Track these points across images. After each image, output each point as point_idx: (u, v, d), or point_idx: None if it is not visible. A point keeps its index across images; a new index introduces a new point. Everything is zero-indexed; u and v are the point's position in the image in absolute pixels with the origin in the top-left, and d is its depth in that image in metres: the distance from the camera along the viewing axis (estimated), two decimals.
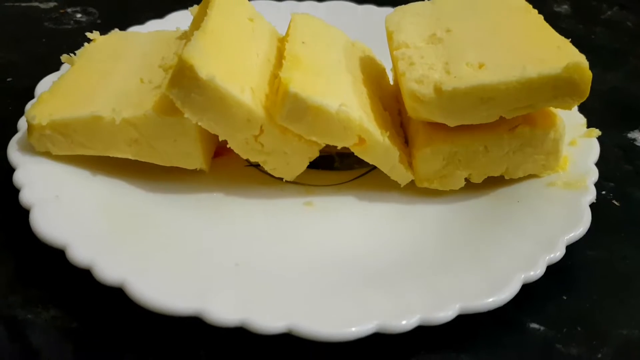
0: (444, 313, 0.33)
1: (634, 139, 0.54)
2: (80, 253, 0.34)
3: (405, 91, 0.41)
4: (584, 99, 0.40)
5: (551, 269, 0.38)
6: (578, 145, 0.46)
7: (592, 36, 0.73)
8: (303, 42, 0.45)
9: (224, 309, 0.32)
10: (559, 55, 0.39)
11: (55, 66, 0.55)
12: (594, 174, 0.43)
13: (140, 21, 0.62)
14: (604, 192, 0.47)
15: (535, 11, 0.46)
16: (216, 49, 0.40)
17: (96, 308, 0.36)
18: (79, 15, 0.72)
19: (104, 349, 0.35)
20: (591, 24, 0.76)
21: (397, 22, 0.47)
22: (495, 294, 0.34)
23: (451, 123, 0.41)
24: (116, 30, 0.56)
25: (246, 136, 0.41)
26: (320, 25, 0.51)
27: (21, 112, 0.49)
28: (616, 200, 0.46)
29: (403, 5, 0.50)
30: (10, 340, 0.35)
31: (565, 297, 0.38)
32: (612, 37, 0.73)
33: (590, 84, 0.39)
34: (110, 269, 0.33)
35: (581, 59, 0.38)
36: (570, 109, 0.41)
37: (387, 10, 0.66)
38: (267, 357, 0.34)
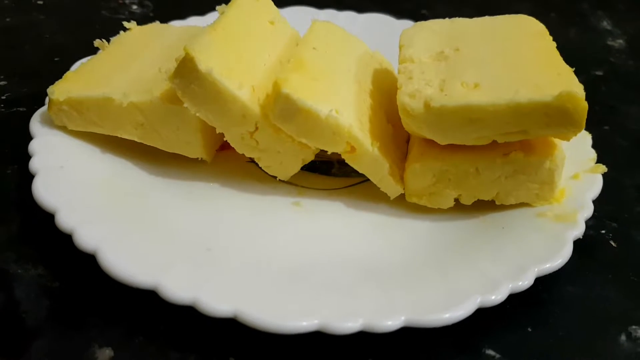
0: (390, 322, 0.33)
1: None
2: (66, 219, 0.37)
3: (398, 104, 0.41)
4: (581, 129, 0.39)
5: (525, 299, 0.37)
6: (580, 179, 0.44)
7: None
8: (314, 48, 0.47)
9: (177, 287, 0.34)
10: (556, 82, 0.38)
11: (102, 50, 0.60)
12: (588, 210, 0.42)
13: (185, 17, 0.66)
14: (603, 231, 0.45)
15: (550, 38, 0.45)
16: (223, 45, 0.42)
17: (78, 272, 0.39)
18: (134, 7, 0.77)
19: (74, 309, 0.37)
20: None
21: (411, 37, 0.48)
22: (448, 311, 0.34)
23: (440, 141, 0.41)
24: (157, 22, 0.60)
25: (241, 131, 0.43)
26: (339, 33, 0.52)
27: None
28: (614, 241, 0.44)
29: (423, 21, 0.50)
30: None
31: (530, 329, 0.37)
32: None
33: (585, 115, 0.38)
34: (87, 236, 0.36)
35: (576, 88, 0.37)
36: (568, 139, 0.40)
37: None
38: (225, 337, 0.36)
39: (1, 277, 0.39)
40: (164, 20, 0.71)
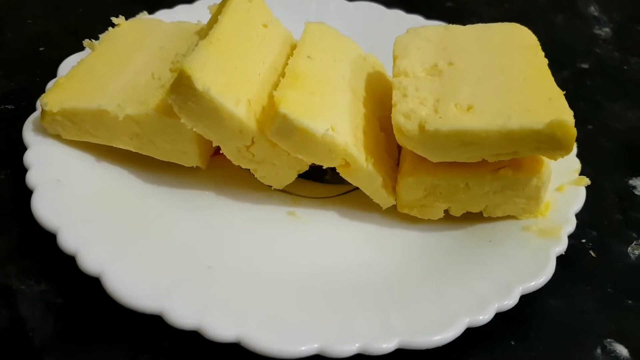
0: (385, 345, 0.35)
1: (634, 187, 0.54)
2: (68, 240, 0.38)
3: (393, 123, 0.42)
4: (569, 153, 0.40)
5: (509, 313, 0.39)
6: (565, 191, 0.46)
7: (624, 67, 0.71)
8: (309, 57, 0.47)
9: (182, 313, 0.35)
10: (547, 108, 0.40)
11: (87, 37, 0.58)
12: (571, 225, 0.44)
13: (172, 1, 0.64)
14: (583, 241, 0.47)
15: (542, 54, 0.45)
16: (218, 59, 0.42)
17: (81, 288, 0.40)
18: None
19: (80, 327, 0.38)
20: (628, 53, 0.73)
21: (405, 46, 0.48)
22: (439, 333, 0.36)
23: (433, 159, 0.42)
24: (144, 13, 0.59)
25: (238, 145, 0.44)
26: (333, 36, 0.52)
27: (47, 83, 0.53)
28: (593, 251, 0.47)
29: (417, 27, 0.50)
30: (3, 306, 0.39)
31: (513, 342, 0.40)
32: None
33: (574, 140, 0.39)
34: (90, 260, 0.37)
35: (566, 117, 0.39)
36: (555, 159, 0.42)
37: (414, 17, 0.67)
38: (229, 354, 0.37)
39: (5, 294, 0.40)
40: (149, 1, 0.69)
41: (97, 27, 0.66)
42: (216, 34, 0.43)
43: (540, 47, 0.46)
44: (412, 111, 0.42)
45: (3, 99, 0.56)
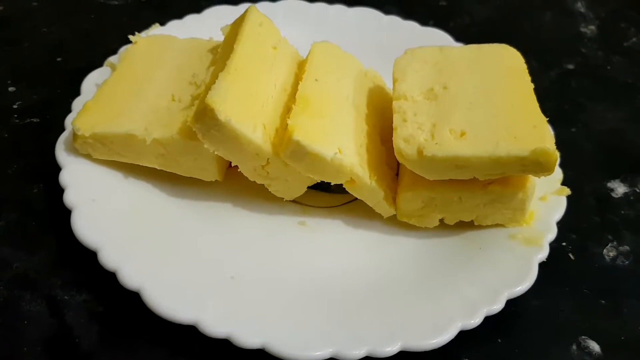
0: (390, 348, 0.41)
1: (612, 189, 0.59)
2: (109, 259, 0.43)
3: (394, 146, 0.47)
4: (551, 173, 0.45)
5: (496, 313, 0.45)
6: (548, 201, 0.51)
7: (607, 66, 0.75)
8: (316, 80, 0.51)
9: (214, 323, 0.40)
10: (531, 135, 0.44)
11: (101, 46, 0.64)
12: (552, 233, 0.49)
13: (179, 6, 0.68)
14: (564, 244, 0.53)
15: (529, 78, 0.50)
16: (237, 89, 0.46)
17: (120, 296, 0.44)
18: None
19: (121, 333, 0.44)
20: (611, 52, 0.77)
21: (403, 69, 0.52)
22: (436, 337, 0.41)
23: (430, 178, 0.47)
24: (156, 25, 0.63)
25: (254, 165, 0.48)
26: (336, 55, 0.56)
27: (68, 95, 0.56)
28: (572, 254, 0.52)
29: (414, 49, 0.54)
30: (51, 315, 0.44)
31: (499, 340, 0.46)
32: (628, 70, 0.75)
33: (555, 164, 0.44)
34: (130, 276, 0.42)
35: (548, 144, 0.43)
36: (539, 177, 0.47)
37: (410, 24, 0.70)
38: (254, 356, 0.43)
39: (51, 303, 0.45)
40: (157, 4, 0.72)
41: (110, 32, 0.69)
42: (233, 64, 0.47)
43: (527, 70, 0.51)
44: (411, 136, 0.46)
45: (29, 112, 0.60)
